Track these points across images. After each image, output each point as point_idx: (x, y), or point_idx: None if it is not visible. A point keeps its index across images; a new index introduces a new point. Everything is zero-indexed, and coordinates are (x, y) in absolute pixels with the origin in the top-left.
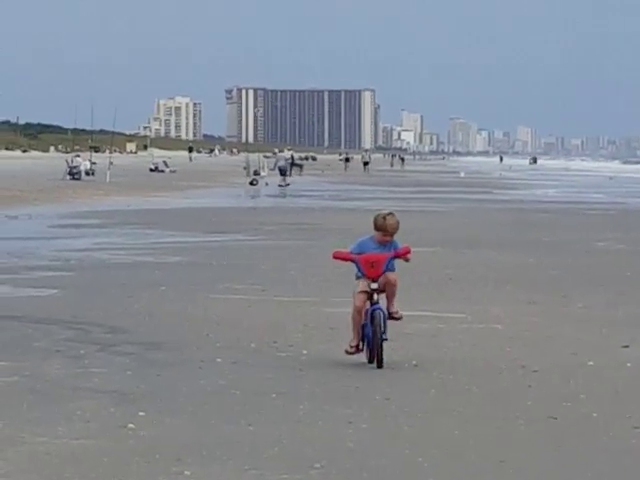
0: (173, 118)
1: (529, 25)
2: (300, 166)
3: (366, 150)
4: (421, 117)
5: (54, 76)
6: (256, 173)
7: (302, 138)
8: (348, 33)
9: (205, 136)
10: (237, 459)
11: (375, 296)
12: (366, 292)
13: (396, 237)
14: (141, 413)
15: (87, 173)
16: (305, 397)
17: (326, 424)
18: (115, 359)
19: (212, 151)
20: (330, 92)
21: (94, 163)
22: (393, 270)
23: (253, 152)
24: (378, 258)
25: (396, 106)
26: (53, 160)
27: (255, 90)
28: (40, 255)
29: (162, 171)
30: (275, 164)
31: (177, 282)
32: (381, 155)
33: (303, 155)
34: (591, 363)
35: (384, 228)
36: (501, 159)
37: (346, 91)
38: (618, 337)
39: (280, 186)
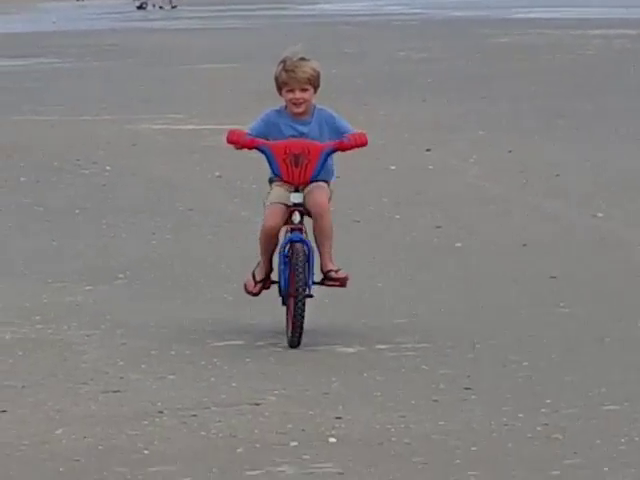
0: None
1: None
2: None
3: None
4: None
5: None
6: None
7: None
8: None
9: None
10: (41, 273)
11: (297, 216)
12: (285, 206)
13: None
14: None
15: None
16: (108, 211)
17: (130, 236)
18: None
19: None
20: None
21: None
22: (330, 176)
23: None
24: (307, 147)
25: None
26: None
27: None
28: None
29: None
30: None
31: None
32: None
33: None
34: (393, 167)
35: (289, 81)
36: None
37: None
38: (420, 142)
39: (161, 8)
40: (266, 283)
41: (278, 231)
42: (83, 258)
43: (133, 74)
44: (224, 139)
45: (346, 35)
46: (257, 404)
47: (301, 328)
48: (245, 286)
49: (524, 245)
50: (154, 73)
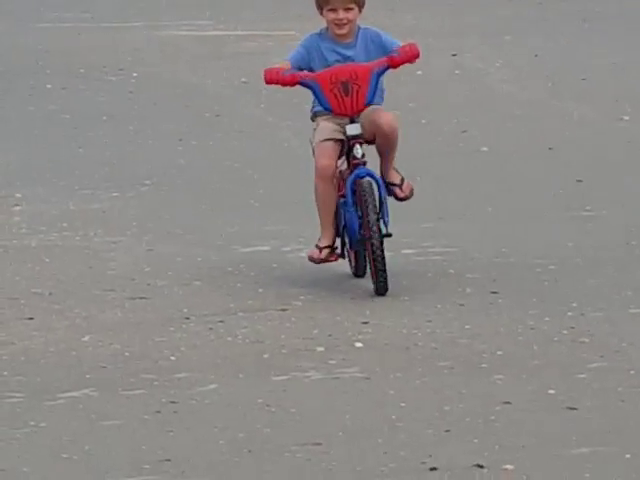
0: None
1: None
2: None
3: None
4: None
5: None
6: None
7: None
8: None
9: None
10: (68, 180)
11: (358, 149)
12: (337, 141)
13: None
14: None
15: None
16: (135, 118)
17: (156, 143)
18: None
19: None
20: None
21: None
22: (383, 97)
23: None
24: (354, 71)
25: None
26: None
27: None
28: None
29: None
30: None
31: (2, 13)
32: None
33: None
34: (419, 72)
35: None
36: None
37: None
38: (446, 47)
39: None
40: (334, 251)
41: (334, 172)
42: (109, 165)
43: None
44: (249, 45)
45: None
46: (283, 309)
47: (385, 272)
48: (310, 258)
49: (550, 149)
50: None
